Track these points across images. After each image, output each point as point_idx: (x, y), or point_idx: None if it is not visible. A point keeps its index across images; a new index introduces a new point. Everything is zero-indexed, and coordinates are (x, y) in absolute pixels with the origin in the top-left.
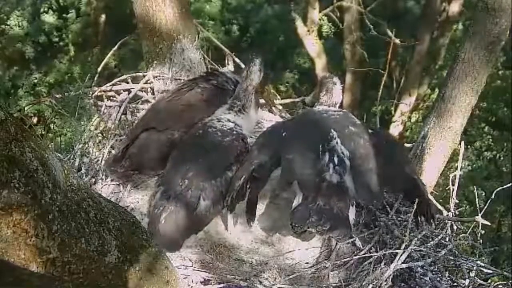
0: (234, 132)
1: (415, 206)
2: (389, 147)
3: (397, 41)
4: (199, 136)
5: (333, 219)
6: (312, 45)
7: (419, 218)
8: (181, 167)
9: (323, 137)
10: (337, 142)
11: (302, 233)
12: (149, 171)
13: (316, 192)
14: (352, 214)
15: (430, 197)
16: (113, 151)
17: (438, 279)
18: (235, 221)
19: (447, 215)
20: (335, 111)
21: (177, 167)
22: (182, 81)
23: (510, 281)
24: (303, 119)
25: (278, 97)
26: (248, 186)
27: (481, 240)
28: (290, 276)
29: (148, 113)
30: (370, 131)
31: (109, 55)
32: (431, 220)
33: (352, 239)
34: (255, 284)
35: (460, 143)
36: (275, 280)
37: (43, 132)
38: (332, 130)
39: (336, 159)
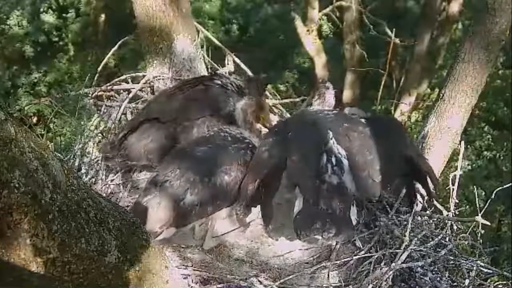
0: (246, 141)
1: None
2: (386, 132)
3: (397, 40)
4: (209, 136)
5: (337, 223)
6: (312, 44)
7: (419, 194)
8: (178, 159)
9: (321, 138)
10: (333, 143)
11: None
12: (146, 162)
13: (317, 195)
14: (353, 214)
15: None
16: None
17: (438, 279)
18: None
19: (447, 215)
20: (329, 111)
21: (175, 158)
22: (185, 78)
23: (510, 281)
24: (302, 120)
25: (278, 97)
26: (262, 190)
27: (481, 240)
28: (290, 276)
29: (150, 104)
30: (363, 121)
31: (109, 55)
32: (434, 193)
33: (352, 239)
34: (255, 284)
35: (460, 143)
36: (275, 280)
37: (43, 132)
38: (328, 130)
39: (333, 160)
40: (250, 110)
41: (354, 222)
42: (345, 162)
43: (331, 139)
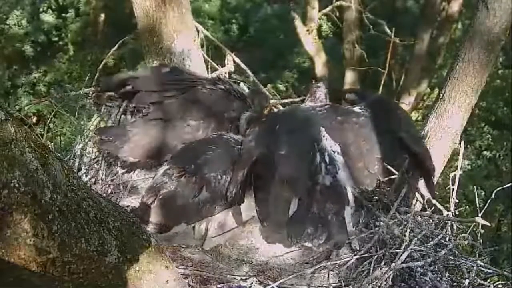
0: None
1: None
2: (383, 117)
3: (397, 40)
4: (213, 138)
5: (328, 228)
6: (312, 44)
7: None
8: (191, 154)
9: (313, 136)
10: (326, 139)
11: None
12: (145, 159)
13: (311, 196)
14: (348, 214)
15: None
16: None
17: (438, 279)
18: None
19: (447, 215)
20: (321, 107)
21: (188, 152)
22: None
23: (510, 281)
24: (293, 115)
25: (278, 96)
26: (252, 179)
27: (481, 240)
28: (290, 276)
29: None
30: (358, 109)
31: (108, 55)
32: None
33: (349, 241)
34: (255, 284)
35: (460, 143)
36: (275, 280)
37: (43, 132)
38: (320, 128)
39: (327, 158)
40: (253, 121)
41: (348, 223)
42: (339, 158)
43: (324, 136)
